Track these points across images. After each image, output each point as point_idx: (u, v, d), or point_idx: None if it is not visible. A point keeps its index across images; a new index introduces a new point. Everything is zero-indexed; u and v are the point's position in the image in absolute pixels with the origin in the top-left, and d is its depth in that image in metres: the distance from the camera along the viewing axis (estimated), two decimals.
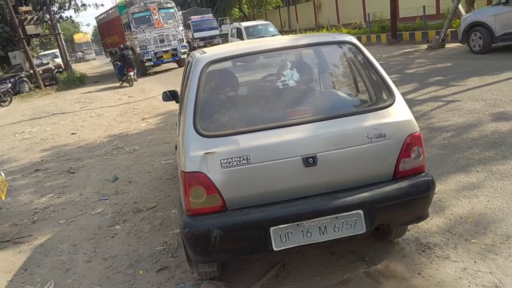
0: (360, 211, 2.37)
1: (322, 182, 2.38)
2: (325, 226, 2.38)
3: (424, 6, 15.62)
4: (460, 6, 12.51)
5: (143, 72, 19.18)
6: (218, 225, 2.29)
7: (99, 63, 40.83)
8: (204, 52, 2.73)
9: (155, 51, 18.59)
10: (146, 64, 18.92)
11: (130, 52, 16.60)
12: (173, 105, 10.27)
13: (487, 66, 8.42)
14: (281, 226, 2.33)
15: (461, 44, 11.07)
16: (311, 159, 2.31)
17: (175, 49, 18.78)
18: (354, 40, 2.70)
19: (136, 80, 16.60)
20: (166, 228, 3.76)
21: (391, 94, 2.52)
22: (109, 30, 24.34)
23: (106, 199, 4.79)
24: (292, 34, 23.39)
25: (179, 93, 4.19)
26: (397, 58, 11.82)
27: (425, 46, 13.16)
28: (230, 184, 2.32)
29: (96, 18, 27.08)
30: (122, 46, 16.97)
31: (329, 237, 2.40)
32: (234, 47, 2.85)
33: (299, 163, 2.31)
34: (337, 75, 2.77)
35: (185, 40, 19.97)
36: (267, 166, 2.31)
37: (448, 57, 10.62)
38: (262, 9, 34.78)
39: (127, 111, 10.88)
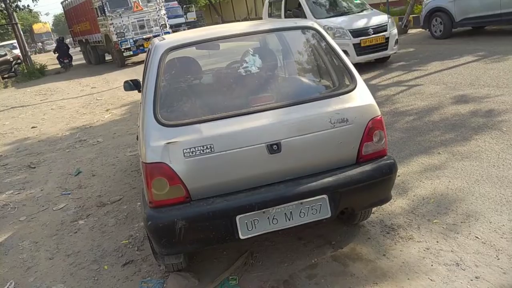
0: (325, 196, 2.38)
1: (287, 169, 2.37)
2: (290, 212, 2.37)
3: None
4: None
5: (121, 63, 16.76)
6: (182, 216, 2.24)
7: None
8: (164, 39, 2.65)
9: (134, 39, 16.03)
10: (124, 54, 16.35)
11: (65, 44, 19.71)
12: (137, 95, 10.05)
13: (448, 51, 8.64)
14: (247, 214, 2.31)
15: (423, 30, 11.31)
16: (275, 145, 2.29)
17: (158, 36, 16.38)
18: (316, 25, 2.68)
19: (71, 66, 19.93)
20: (132, 221, 3.68)
21: (352, 79, 2.52)
22: (78, 16, 20.81)
23: (69, 194, 4.64)
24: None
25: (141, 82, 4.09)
26: None
27: None
28: (194, 174, 2.27)
29: (62, 2, 23.60)
30: (58, 38, 18.56)
31: (295, 223, 2.40)
32: (195, 33, 2.78)
33: (263, 150, 2.29)
34: (300, 61, 2.75)
35: (168, 26, 17.24)
36: (231, 155, 2.27)
37: (410, 42, 10.84)
38: None
39: (90, 102, 10.57)
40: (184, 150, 2.23)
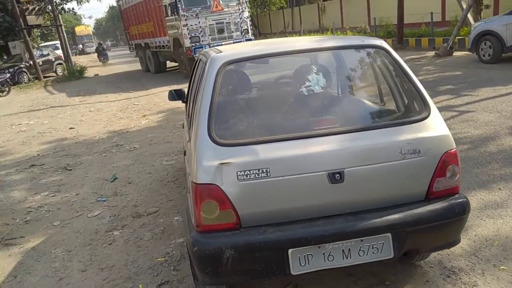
0: (389, 234, 2.15)
1: (348, 201, 2.15)
2: (349, 249, 2.15)
3: (431, 13, 15.43)
4: (468, 15, 12.33)
5: (188, 73, 12.00)
6: (231, 244, 2.06)
7: None
8: (220, 51, 2.49)
9: (211, 44, 12.85)
10: None
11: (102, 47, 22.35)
12: (174, 103, 10.05)
13: (499, 76, 8.22)
14: (301, 248, 2.10)
15: (470, 53, 10.88)
16: (337, 175, 2.08)
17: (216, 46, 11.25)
18: (385, 44, 2.47)
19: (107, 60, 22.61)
20: (168, 236, 3.52)
21: (425, 105, 2.28)
22: (139, 16, 17.70)
23: (104, 201, 4.55)
24: (297, 36, 23.12)
25: (186, 93, 3.97)
26: None
27: (432, 53, 12.96)
28: (247, 199, 2.08)
29: (118, 1, 21.39)
30: (98, 42, 19.08)
31: (353, 262, 2.17)
32: (253, 47, 2.61)
33: (324, 179, 2.08)
34: (366, 82, 2.54)
35: (250, 32, 14.34)
36: (289, 181, 2.07)
37: (457, 65, 10.42)
38: (266, 9, 34.47)
39: (128, 107, 10.64)
40: (238, 173, 2.05)
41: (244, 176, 2.05)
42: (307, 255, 2.13)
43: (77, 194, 4.86)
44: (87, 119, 9.60)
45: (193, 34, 13.16)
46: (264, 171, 2.05)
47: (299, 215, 2.15)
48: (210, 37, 13.35)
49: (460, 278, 2.62)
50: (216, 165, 2.06)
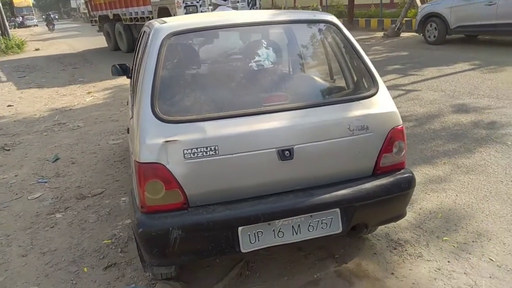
0: (337, 210, 2.16)
1: (298, 177, 2.13)
2: (298, 225, 2.14)
3: None
4: None
5: None
6: (178, 225, 1.98)
7: (40, 30, 38.07)
8: (164, 22, 2.35)
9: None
10: None
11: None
12: (122, 80, 9.65)
13: (443, 57, 8.53)
14: (251, 225, 2.07)
15: (416, 34, 11.22)
16: (287, 151, 2.05)
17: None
18: (335, 20, 2.43)
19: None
20: (115, 218, 3.38)
21: (374, 82, 2.29)
22: None
23: (46, 182, 4.29)
24: None
25: (131, 67, 3.78)
26: None
27: (380, 34, 13.25)
28: (194, 178, 2.01)
29: None
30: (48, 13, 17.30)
31: (302, 237, 2.17)
32: (200, 18, 2.49)
33: (274, 156, 2.04)
34: (317, 58, 2.51)
35: (259, 3, 11.57)
36: (238, 159, 2.02)
37: (404, 46, 10.72)
38: None
39: (71, 83, 10.10)
40: (185, 151, 1.96)
41: (191, 155, 1.97)
42: (257, 232, 2.10)
43: (16, 176, 4.55)
44: (27, 96, 9.01)
45: (189, 3, 10.46)
46: (213, 149, 1.98)
47: (248, 193, 2.11)
48: (211, 7, 9.64)
49: (406, 250, 2.71)
50: (161, 143, 1.96)
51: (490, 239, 2.72)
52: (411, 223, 2.98)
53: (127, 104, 3.50)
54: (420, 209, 3.14)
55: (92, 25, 18.40)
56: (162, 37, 2.17)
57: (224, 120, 2.03)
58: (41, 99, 8.60)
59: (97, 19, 16.66)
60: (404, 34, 12.63)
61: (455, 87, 6.19)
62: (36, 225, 3.42)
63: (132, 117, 2.37)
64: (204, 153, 1.97)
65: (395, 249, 2.74)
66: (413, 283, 2.42)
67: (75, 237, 3.16)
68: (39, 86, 10.08)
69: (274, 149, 2.04)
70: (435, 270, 2.50)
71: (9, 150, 5.48)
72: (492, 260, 2.53)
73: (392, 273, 2.51)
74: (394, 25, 12.72)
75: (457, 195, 3.27)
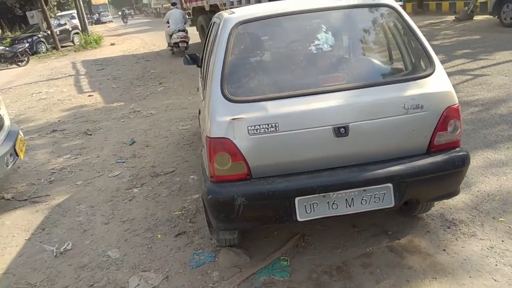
0: (390, 185, 2.28)
1: (352, 154, 2.28)
2: (352, 198, 2.30)
3: None
4: None
5: None
6: (242, 193, 2.22)
7: (115, 25, 40.47)
8: (233, 12, 2.59)
9: None
10: None
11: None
12: (190, 70, 10.16)
13: None
14: (307, 196, 2.26)
15: (491, 17, 10.64)
16: (342, 129, 2.20)
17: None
18: (393, 3, 2.53)
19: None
20: (185, 193, 3.73)
21: (431, 62, 2.36)
22: None
23: (124, 162, 4.77)
24: None
25: (201, 57, 4.09)
26: (423, 29, 11.38)
27: (452, 17, 12.68)
28: (257, 152, 2.23)
29: None
30: (123, 9, 15.35)
31: (355, 210, 2.32)
32: (265, 7, 2.70)
33: (329, 133, 2.21)
34: (373, 40, 2.61)
35: None
36: (296, 135, 2.21)
37: (477, 29, 10.21)
38: None
39: (144, 75, 10.78)
40: (249, 127, 2.19)
41: (254, 131, 2.19)
42: (313, 203, 2.28)
43: (97, 157, 5.09)
44: (105, 86, 9.79)
45: None
46: (273, 125, 2.19)
47: (305, 167, 2.29)
48: None
49: (459, 229, 2.76)
50: (228, 120, 2.20)
51: None
52: (467, 205, 3.01)
53: (197, 91, 3.81)
54: (478, 191, 3.15)
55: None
56: (230, 26, 2.41)
57: (284, 99, 2.23)
58: (117, 89, 9.32)
59: (190, 11, 14.30)
60: (477, 17, 12.01)
61: None
62: (116, 198, 3.86)
63: (203, 99, 2.64)
64: (266, 129, 2.19)
65: (448, 228, 2.80)
66: (464, 259, 2.48)
67: (150, 208, 3.54)
68: (115, 77, 10.88)
69: (330, 127, 2.21)
70: (488, 248, 2.54)
71: (91, 134, 6.09)
72: None
73: (444, 250, 2.59)
74: (467, 8, 12.13)
75: None
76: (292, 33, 2.59)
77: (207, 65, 2.71)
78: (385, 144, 2.30)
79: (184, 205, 3.50)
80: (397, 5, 2.51)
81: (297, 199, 2.26)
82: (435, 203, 2.97)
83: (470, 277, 2.34)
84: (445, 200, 3.00)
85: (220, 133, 2.22)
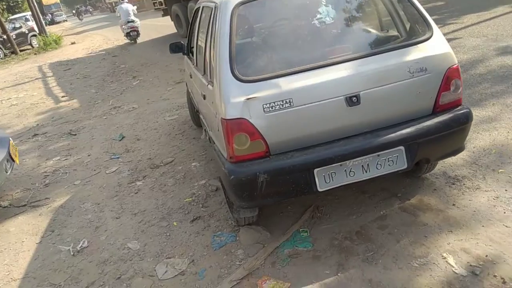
0: (402, 147, 2.39)
1: (365, 121, 2.37)
2: (367, 164, 2.40)
3: None
4: None
5: None
6: (264, 170, 2.28)
7: (71, 24, 39.15)
8: None
9: None
10: None
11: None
12: (162, 61, 10.03)
13: (481, 2, 8.34)
14: (325, 167, 2.34)
15: None
16: (354, 98, 2.29)
17: None
18: None
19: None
20: (190, 180, 3.75)
21: (428, 27, 2.46)
22: None
23: (118, 157, 4.73)
24: None
25: (187, 44, 4.07)
26: None
27: None
28: (274, 128, 2.29)
29: None
30: (77, 7, 16.18)
31: (371, 175, 2.42)
32: None
33: (342, 103, 2.29)
34: (372, 10, 2.69)
35: None
36: (310, 108, 2.27)
37: None
38: None
39: (114, 71, 10.57)
40: (264, 105, 2.24)
41: (270, 108, 2.24)
42: (331, 173, 2.37)
43: (89, 155, 5.02)
44: (77, 86, 9.55)
45: None
46: (288, 101, 2.25)
47: (321, 138, 2.37)
48: None
49: (464, 184, 2.92)
50: (243, 100, 2.24)
51: None
52: (466, 161, 3.17)
53: (191, 78, 3.80)
54: (474, 147, 3.32)
55: (155, 9, 15.98)
56: (231, 8, 2.43)
57: (295, 75, 2.29)
58: (90, 87, 9.11)
59: (162, 0, 14.19)
60: None
61: (497, 31, 6.14)
62: (121, 192, 3.85)
63: (209, 84, 2.65)
64: (281, 105, 2.24)
65: (453, 184, 2.95)
66: (474, 211, 2.64)
67: (159, 198, 3.56)
68: (85, 76, 10.61)
69: (342, 97, 2.28)
70: (494, 199, 2.71)
71: (75, 134, 5.98)
72: None
73: (454, 204, 2.74)
74: None
75: (508, 132, 3.41)
76: (292, 9, 2.63)
77: (209, 50, 2.72)
78: (394, 108, 2.40)
79: (193, 191, 3.53)
80: None
81: (316, 170, 2.34)
82: (438, 162, 3.12)
83: (483, 226, 2.49)
84: (445, 159, 3.15)
85: (236, 113, 2.26)
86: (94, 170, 4.54)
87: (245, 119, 2.25)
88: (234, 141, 2.29)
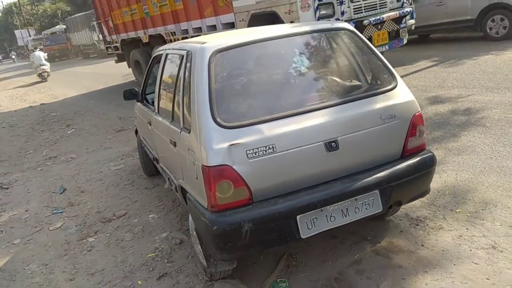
0: (377, 191, 2.46)
1: (343, 166, 2.43)
2: (346, 208, 2.43)
3: None
4: None
5: None
6: (249, 218, 2.22)
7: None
8: (203, 42, 2.61)
9: (352, 18, 6.67)
10: None
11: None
12: (97, 109, 9.69)
13: (404, 58, 9.15)
14: (307, 213, 2.33)
15: None
16: (333, 143, 2.34)
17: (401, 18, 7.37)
18: (351, 27, 2.79)
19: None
20: (150, 233, 3.53)
21: (393, 77, 2.65)
22: None
23: (62, 212, 4.36)
24: None
25: (141, 91, 3.99)
26: None
27: None
28: (257, 174, 2.26)
29: None
30: None
31: (351, 219, 2.45)
32: (234, 36, 2.77)
33: (322, 148, 2.33)
34: (340, 61, 2.83)
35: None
36: (292, 154, 2.29)
37: None
38: None
39: (44, 119, 10.02)
40: (248, 151, 2.22)
41: (254, 154, 2.22)
42: (313, 219, 2.36)
43: (26, 211, 4.57)
44: (2, 136, 8.85)
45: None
46: (271, 147, 2.24)
47: (302, 183, 2.37)
48: (352, 4, 6.62)
49: (427, 224, 3.04)
50: (226, 147, 2.20)
51: (496, 206, 3.11)
52: (424, 203, 3.33)
53: (149, 125, 3.67)
54: None
55: (108, 54, 14.02)
56: (208, 55, 2.43)
57: (277, 121, 2.30)
58: (18, 137, 8.49)
59: (118, 45, 12.19)
60: None
61: (424, 82, 6.75)
62: (71, 251, 3.51)
63: (182, 130, 2.58)
64: (264, 151, 2.23)
65: (417, 225, 3.07)
66: (443, 250, 2.75)
67: (118, 255, 3.29)
68: (11, 125, 9.91)
69: (322, 142, 2.33)
70: (458, 237, 2.85)
71: (7, 188, 5.46)
72: (503, 221, 2.91)
73: (422, 245, 2.83)
74: None
75: (456, 174, 3.68)
76: (268, 58, 2.70)
77: (180, 97, 2.66)
78: (369, 153, 2.49)
79: (155, 245, 3.32)
80: (353, 28, 2.78)
81: (298, 217, 2.32)
82: None
83: (454, 264, 2.59)
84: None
85: (218, 160, 2.20)
86: (35, 227, 4.13)
87: (229, 165, 2.20)
88: (218, 189, 2.22)
